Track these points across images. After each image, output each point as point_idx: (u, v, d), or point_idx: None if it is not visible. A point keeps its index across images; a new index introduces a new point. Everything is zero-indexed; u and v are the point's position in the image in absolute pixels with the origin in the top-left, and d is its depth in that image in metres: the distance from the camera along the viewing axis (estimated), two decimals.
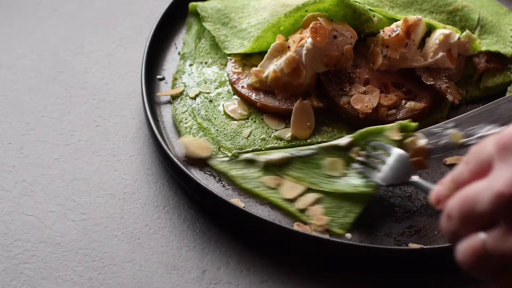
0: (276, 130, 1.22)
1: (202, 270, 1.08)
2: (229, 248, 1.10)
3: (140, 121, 1.27)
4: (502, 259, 0.79)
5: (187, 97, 1.28)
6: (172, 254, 1.10)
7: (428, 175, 1.17)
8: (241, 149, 1.20)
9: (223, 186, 1.16)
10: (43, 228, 1.12)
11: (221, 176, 1.17)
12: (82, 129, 1.26)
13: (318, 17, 1.23)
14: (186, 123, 1.24)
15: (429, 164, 1.13)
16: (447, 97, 1.25)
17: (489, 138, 0.82)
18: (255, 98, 1.25)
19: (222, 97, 1.28)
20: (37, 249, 1.10)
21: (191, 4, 1.39)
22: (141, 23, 1.45)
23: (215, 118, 1.24)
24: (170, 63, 1.35)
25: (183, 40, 1.37)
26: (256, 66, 1.27)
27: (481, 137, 1.12)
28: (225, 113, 1.25)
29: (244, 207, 1.12)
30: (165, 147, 1.17)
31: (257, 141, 1.21)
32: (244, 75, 1.29)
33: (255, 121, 1.24)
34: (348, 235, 1.10)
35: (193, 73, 1.31)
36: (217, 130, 1.23)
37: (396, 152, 1.10)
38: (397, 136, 1.12)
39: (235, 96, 1.28)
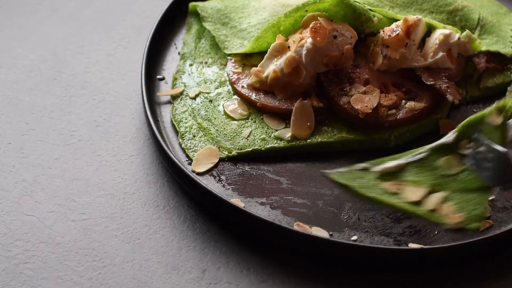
0: (276, 130, 1.23)
1: (202, 270, 1.08)
2: (229, 248, 1.10)
3: (140, 121, 1.27)
4: None
5: (187, 97, 1.28)
6: (172, 254, 1.10)
7: None
8: (241, 149, 1.20)
9: (223, 186, 1.16)
10: (43, 228, 1.12)
11: (221, 176, 1.17)
12: (82, 129, 1.26)
13: (318, 17, 1.23)
14: (186, 123, 1.24)
15: None
16: (447, 97, 1.24)
17: None
18: (255, 98, 1.25)
19: (222, 97, 1.28)
20: (37, 249, 1.10)
21: (191, 4, 1.39)
22: (141, 23, 1.45)
23: (215, 118, 1.25)
24: (170, 63, 1.35)
25: (183, 40, 1.38)
26: (256, 66, 1.27)
27: None
28: (225, 113, 1.25)
29: (244, 207, 1.12)
30: (165, 147, 1.17)
31: (257, 141, 1.21)
32: (244, 75, 1.29)
33: (255, 121, 1.24)
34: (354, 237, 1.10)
35: (193, 73, 1.31)
36: (217, 130, 1.23)
37: (497, 151, 1.07)
38: (498, 120, 1.09)
39: (235, 96, 1.28)
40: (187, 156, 1.20)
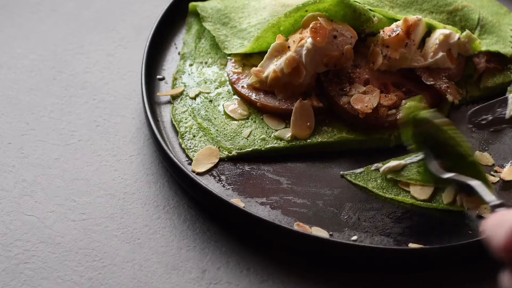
0: (276, 130, 1.22)
1: (202, 270, 1.08)
2: (229, 248, 1.10)
3: (140, 121, 1.27)
4: None
5: (187, 97, 1.28)
6: (172, 254, 1.10)
7: None
8: (241, 149, 1.20)
9: (223, 186, 1.16)
10: (43, 228, 1.12)
11: (221, 176, 1.17)
12: (82, 129, 1.26)
13: (318, 17, 1.23)
14: (186, 123, 1.24)
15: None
16: (447, 97, 1.25)
17: (497, 243, 0.84)
18: (255, 98, 1.25)
19: (222, 97, 1.28)
20: (37, 249, 1.10)
21: (191, 4, 1.39)
22: (141, 23, 1.45)
23: (215, 118, 1.25)
24: (170, 63, 1.35)
25: (183, 40, 1.38)
26: (256, 66, 1.27)
27: None
28: (225, 113, 1.25)
29: (244, 207, 1.12)
30: (165, 147, 1.17)
31: (257, 141, 1.21)
32: (244, 75, 1.29)
33: (255, 121, 1.24)
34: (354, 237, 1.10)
35: (193, 73, 1.31)
36: (217, 130, 1.23)
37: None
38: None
39: (235, 96, 1.28)
40: (187, 156, 1.20)
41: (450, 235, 1.10)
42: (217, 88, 1.29)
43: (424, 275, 1.07)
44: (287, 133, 1.22)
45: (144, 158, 1.22)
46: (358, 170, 1.16)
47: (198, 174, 1.17)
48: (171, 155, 1.16)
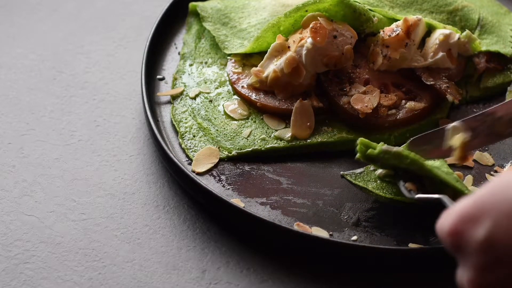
0: (276, 130, 1.22)
1: (202, 270, 1.08)
2: (229, 248, 1.10)
3: (140, 121, 1.27)
4: None
5: (187, 97, 1.28)
6: (172, 254, 1.10)
7: None
8: (241, 149, 1.20)
9: (223, 186, 1.16)
10: (43, 228, 1.12)
11: (221, 176, 1.17)
12: (82, 129, 1.26)
13: (318, 17, 1.23)
14: (186, 123, 1.24)
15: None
16: (447, 97, 1.24)
17: (442, 229, 0.83)
18: (255, 98, 1.25)
19: (222, 97, 1.28)
20: (37, 249, 1.10)
21: (191, 4, 1.39)
22: (141, 23, 1.45)
23: (215, 118, 1.25)
24: (170, 63, 1.35)
25: (183, 40, 1.37)
26: (256, 66, 1.27)
27: None
28: (225, 113, 1.25)
29: (244, 207, 1.12)
30: (165, 147, 1.17)
31: (257, 141, 1.21)
32: (244, 75, 1.29)
33: (255, 121, 1.24)
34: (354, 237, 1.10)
35: (193, 73, 1.31)
36: (217, 130, 1.23)
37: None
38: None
39: (235, 96, 1.28)
40: (187, 156, 1.20)
41: None
42: (217, 88, 1.29)
43: (424, 275, 1.07)
44: (287, 133, 1.22)
45: (144, 158, 1.22)
46: (358, 170, 1.16)
47: (198, 174, 1.17)
48: (171, 155, 1.16)
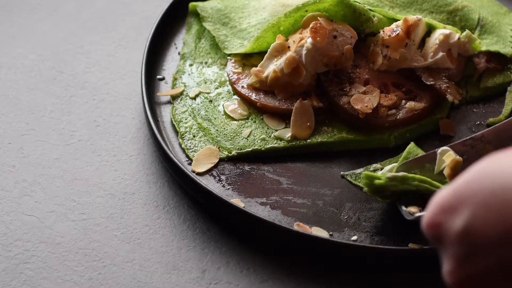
0: (276, 130, 1.22)
1: (202, 270, 1.08)
2: (229, 248, 1.10)
3: (140, 121, 1.27)
4: None
5: (187, 97, 1.28)
6: (172, 254, 1.10)
7: None
8: (241, 149, 1.20)
9: (223, 186, 1.16)
10: (43, 228, 1.12)
11: (221, 176, 1.17)
12: (82, 129, 1.26)
13: (318, 17, 1.23)
14: (186, 123, 1.24)
15: None
16: (447, 97, 1.24)
17: (423, 222, 0.82)
18: (255, 98, 1.25)
19: (222, 97, 1.28)
20: (37, 249, 1.10)
21: (191, 4, 1.39)
22: (141, 23, 1.45)
23: (215, 118, 1.25)
24: (170, 63, 1.35)
25: (183, 40, 1.37)
26: (256, 66, 1.27)
27: None
28: (225, 113, 1.25)
29: (244, 207, 1.12)
30: (165, 147, 1.17)
31: (257, 141, 1.21)
32: (244, 75, 1.29)
33: (255, 121, 1.24)
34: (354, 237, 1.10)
35: (193, 73, 1.31)
36: (217, 130, 1.23)
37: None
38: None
39: (235, 96, 1.28)
40: (187, 156, 1.20)
41: None
42: (217, 88, 1.29)
43: (424, 275, 1.07)
44: (287, 133, 1.22)
45: (144, 158, 1.22)
46: (358, 171, 1.16)
47: (198, 174, 1.17)
48: (171, 155, 1.16)
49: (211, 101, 1.27)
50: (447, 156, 1.10)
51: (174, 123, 1.24)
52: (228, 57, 1.32)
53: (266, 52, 1.27)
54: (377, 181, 1.07)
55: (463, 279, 0.78)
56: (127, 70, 1.36)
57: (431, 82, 1.25)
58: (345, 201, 1.15)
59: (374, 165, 1.17)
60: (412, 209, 1.06)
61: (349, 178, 1.14)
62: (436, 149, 1.12)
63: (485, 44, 1.32)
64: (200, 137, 1.22)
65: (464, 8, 1.36)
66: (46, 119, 1.28)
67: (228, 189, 1.16)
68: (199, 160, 1.19)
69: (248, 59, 1.31)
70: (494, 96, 1.30)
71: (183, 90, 1.29)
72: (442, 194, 0.81)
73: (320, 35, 1.21)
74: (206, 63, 1.33)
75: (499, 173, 0.77)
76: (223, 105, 1.26)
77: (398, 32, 1.25)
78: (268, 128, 1.23)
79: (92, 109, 1.29)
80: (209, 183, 1.16)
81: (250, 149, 1.20)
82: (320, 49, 1.22)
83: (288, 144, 1.21)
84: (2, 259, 1.08)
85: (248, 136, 1.22)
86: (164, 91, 1.30)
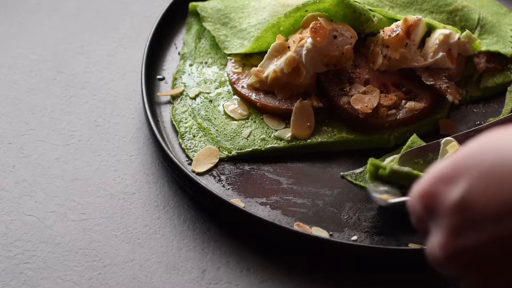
0: (276, 130, 1.23)
1: (202, 270, 1.08)
2: (229, 248, 1.10)
3: (140, 121, 1.27)
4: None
5: (187, 97, 1.28)
6: (172, 254, 1.10)
7: None
8: (241, 149, 1.20)
9: (223, 186, 1.16)
10: (43, 228, 1.12)
11: (221, 176, 1.17)
12: (82, 129, 1.26)
13: (318, 17, 1.23)
14: (186, 123, 1.24)
15: None
16: (447, 97, 1.25)
17: (414, 192, 0.80)
18: (255, 98, 1.25)
19: (222, 97, 1.28)
20: (37, 249, 1.10)
21: (191, 4, 1.39)
22: (141, 23, 1.45)
23: (215, 118, 1.25)
24: (170, 63, 1.35)
25: (183, 40, 1.38)
26: (256, 66, 1.27)
27: None
28: (225, 113, 1.25)
29: (244, 207, 1.13)
30: (165, 147, 1.17)
31: (257, 141, 1.21)
32: (244, 75, 1.29)
33: (255, 121, 1.24)
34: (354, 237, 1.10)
35: (193, 73, 1.31)
36: (217, 130, 1.23)
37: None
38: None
39: (235, 96, 1.28)
40: (187, 156, 1.20)
41: None
42: (217, 88, 1.29)
43: (424, 275, 1.07)
44: (287, 133, 1.22)
45: (144, 158, 1.22)
46: (358, 170, 1.16)
47: (198, 174, 1.17)
48: (171, 155, 1.16)
49: (211, 101, 1.27)
50: (450, 146, 1.10)
51: (174, 123, 1.24)
52: (228, 57, 1.32)
53: (266, 52, 1.27)
54: (381, 171, 1.07)
55: (456, 252, 0.76)
56: (127, 70, 1.36)
57: (431, 82, 1.25)
58: (345, 201, 1.15)
59: None
60: (385, 196, 1.06)
61: (349, 178, 1.14)
62: (440, 139, 1.12)
63: (485, 44, 1.32)
64: (200, 137, 1.22)
65: (464, 8, 1.36)
66: (46, 119, 1.28)
67: (228, 189, 1.16)
68: (199, 160, 1.19)
69: (248, 59, 1.31)
70: (494, 96, 1.30)
71: (183, 90, 1.29)
72: (440, 165, 0.78)
73: (320, 35, 1.21)
74: (206, 63, 1.33)
75: (501, 146, 0.75)
76: (223, 105, 1.26)
77: (398, 32, 1.25)
78: (268, 128, 1.23)
79: (92, 109, 1.29)
80: (209, 183, 1.16)
81: (250, 149, 1.20)
82: (320, 49, 1.22)
83: (288, 144, 1.21)
84: (2, 259, 1.08)
85: (248, 136, 1.22)
86: (164, 91, 1.30)
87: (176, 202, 1.16)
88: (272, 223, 1.08)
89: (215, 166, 1.19)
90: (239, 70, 1.29)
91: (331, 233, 1.11)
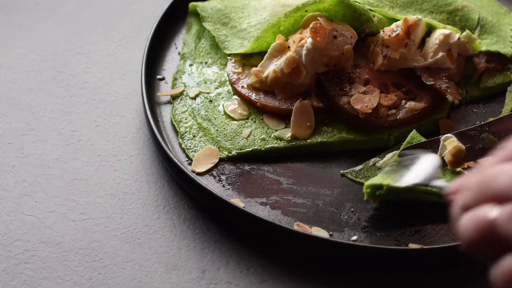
0: (276, 130, 1.23)
1: (202, 270, 1.08)
2: (229, 248, 1.10)
3: (140, 121, 1.27)
4: (508, 240, 0.74)
5: (187, 97, 1.28)
6: (172, 254, 1.10)
7: None
8: (241, 149, 1.20)
9: (223, 186, 1.16)
10: (43, 228, 1.12)
11: (221, 176, 1.17)
12: (82, 129, 1.26)
13: (318, 17, 1.23)
14: (186, 123, 1.24)
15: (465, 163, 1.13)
16: (447, 97, 1.25)
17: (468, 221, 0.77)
18: (255, 98, 1.25)
19: (222, 97, 1.28)
20: (37, 249, 1.10)
21: (191, 4, 1.39)
22: (141, 23, 1.45)
23: (215, 118, 1.25)
24: (170, 63, 1.35)
25: (183, 40, 1.38)
26: (256, 66, 1.27)
27: None
28: (225, 113, 1.25)
29: (244, 207, 1.13)
30: (165, 147, 1.17)
31: (257, 141, 1.21)
32: (244, 75, 1.29)
33: (255, 121, 1.24)
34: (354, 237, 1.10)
35: (193, 73, 1.31)
36: (217, 130, 1.23)
37: (427, 155, 1.08)
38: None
39: (235, 96, 1.28)
40: (187, 156, 1.20)
41: (451, 235, 1.10)
42: (217, 88, 1.29)
43: (424, 275, 1.07)
44: (287, 133, 1.22)
45: (144, 158, 1.22)
46: (358, 168, 1.16)
47: (198, 174, 1.17)
48: (171, 155, 1.16)
49: (211, 101, 1.27)
50: (449, 142, 1.11)
51: (174, 123, 1.24)
52: (228, 57, 1.32)
53: (266, 52, 1.27)
54: (379, 192, 1.09)
55: None
56: (127, 70, 1.36)
57: (431, 82, 1.25)
58: (345, 201, 1.15)
59: (373, 159, 1.18)
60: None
61: (349, 176, 1.15)
62: (440, 136, 1.12)
63: (485, 44, 1.32)
64: (200, 137, 1.22)
65: (464, 8, 1.36)
66: (46, 119, 1.28)
67: (228, 189, 1.16)
68: (199, 160, 1.19)
69: (248, 59, 1.31)
70: (494, 96, 1.30)
71: (183, 90, 1.29)
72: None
73: (320, 35, 1.21)
74: (206, 63, 1.33)
75: None
76: (223, 105, 1.26)
77: (398, 32, 1.25)
78: (268, 128, 1.23)
79: (92, 109, 1.29)
80: (209, 183, 1.16)
81: (250, 149, 1.20)
82: (320, 49, 1.22)
83: (288, 144, 1.21)
84: (2, 259, 1.08)
85: (248, 136, 1.22)
86: (164, 91, 1.30)
87: (176, 202, 1.16)
88: (272, 223, 1.08)
89: (215, 166, 1.19)
90: (239, 70, 1.29)
91: (331, 233, 1.11)
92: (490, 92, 1.30)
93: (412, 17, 1.26)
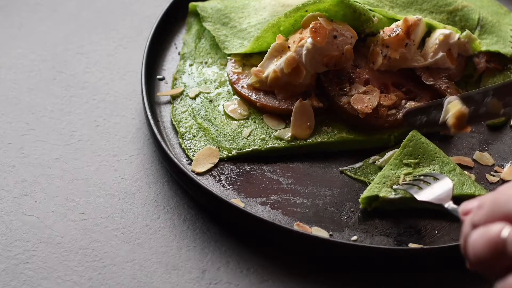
0: (276, 130, 1.23)
1: (202, 270, 1.08)
2: (229, 248, 1.10)
3: (140, 121, 1.27)
4: None
5: (187, 97, 1.28)
6: (172, 254, 1.10)
7: None
8: (241, 149, 1.20)
9: (223, 186, 1.16)
10: (43, 228, 1.12)
11: (221, 176, 1.17)
12: (82, 129, 1.26)
13: (318, 17, 1.23)
14: (186, 123, 1.24)
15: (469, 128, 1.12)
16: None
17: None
18: (255, 98, 1.25)
19: (222, 97, 1.28)
20: (37, 249, 1.10)
21: (191, 4, 1.39)
22: (141, 23, 1.45)
23: (215, 118, 1.25)
24: (170, 63, 1.35)
25: (183, 40, 1.38)
26: (256, 66, 1.27)
27: None
28: (225, 113, 1.25)
29: (244, 207, 1.13)
30: (165, 147, 1.17)
31: (257, 141, 1.21)
32: (244, 75, 1.29)
33: (255, 121, 1.24)
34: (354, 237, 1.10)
35: (193, 73, 1.31)
36: (217, 130, 1.23)
37: (445, 179, 1.10)
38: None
39: (235, 96, 1.28)
40: (187, 156, 1.20)
41: (451, 235, 1.10)
42: (217, 88, 1.29)
43: (424, 275, 1.07)
44: (287, 133, 1.22)
45: (144, 158, 1.22)
46: (357, 165, 1.16)
47: (198, 174, 1.17)
48: (171, 155, 1.16)
49: (211, 101, 1.27)
50: (453, 105, 1.10)
51: (174, 123, 1.24)
52: (228, 57, 1.32)
53: (266, 52, 1.27)
54: (374, 203, 1.11)
55: None
56: (127, 70, 1.36)
57: (431, 82, 1.25)
58: (345, 201, 1.15)
59: (373, 157, 1.18)
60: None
61: (348, 173, 1.15)
62: (444, 98, 1.12)
63: (485, 44, 1.32)
64: (200, 137, 1.22)
65: (464, 8, 1.36)
66: (46, 119, 1.28)
67: (228, 189, 1.16)
68: (199, 160, 1.19)
69: (248, 59, 1.31)
70: None
71: (183, 90, 1.29)
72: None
73: (320, 35, 1.21)
74: (206, 63, 1.33)
75: None
76: (223, 105, 1.26)
77: (398, 32, 1.25)
78: (268, 128, 1.23)
79: (92, 109, 1.29)
80: (209, 183, 1.16)
81: (250, 149, 1.20)
82: (320, 49, 1.22)
83: (288, 144, 1.21)
84: (2, 259, 1.08)
85: (248, 136, 1.22)
86: (164, 91, 1.30)
87: (176, 202, 1.16)
88: (272, 223, 1.08)
89: (215, 166, 1.19)
90: (239, 70, 1.29)
91: (331, 233, 1.11)
92: None
93: (412, 17, 1.26)
